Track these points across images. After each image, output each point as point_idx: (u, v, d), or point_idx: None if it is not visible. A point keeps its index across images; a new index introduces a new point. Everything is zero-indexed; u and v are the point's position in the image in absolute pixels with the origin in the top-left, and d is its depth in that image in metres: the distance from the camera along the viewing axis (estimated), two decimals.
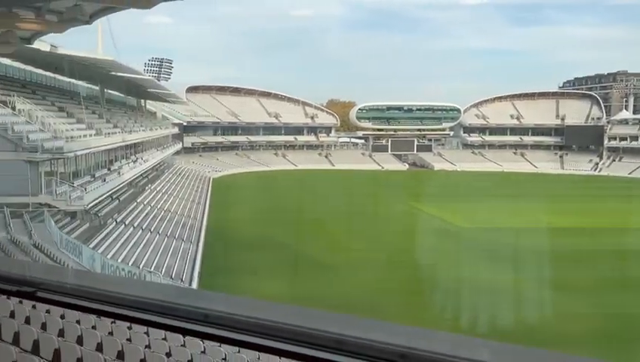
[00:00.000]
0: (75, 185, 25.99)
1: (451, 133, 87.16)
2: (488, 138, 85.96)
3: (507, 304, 22.05)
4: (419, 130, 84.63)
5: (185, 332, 1.76)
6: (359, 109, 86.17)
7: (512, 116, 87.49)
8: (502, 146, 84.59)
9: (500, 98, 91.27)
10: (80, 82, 40.52)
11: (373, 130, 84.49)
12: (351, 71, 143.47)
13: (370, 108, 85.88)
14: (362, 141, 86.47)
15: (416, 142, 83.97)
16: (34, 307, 6.13)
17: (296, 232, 33.38)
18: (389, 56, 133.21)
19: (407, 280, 24.84)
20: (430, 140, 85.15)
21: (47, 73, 38.40)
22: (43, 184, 23.82)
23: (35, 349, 4.34)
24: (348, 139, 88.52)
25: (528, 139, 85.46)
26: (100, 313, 1.81)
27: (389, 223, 36.85)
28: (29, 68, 36.00)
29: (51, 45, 24.73)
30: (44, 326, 5.37)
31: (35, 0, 10.06)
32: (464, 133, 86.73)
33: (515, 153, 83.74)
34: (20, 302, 6.00)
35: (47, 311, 6.10)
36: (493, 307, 21.59)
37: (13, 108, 25.66)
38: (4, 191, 22.89)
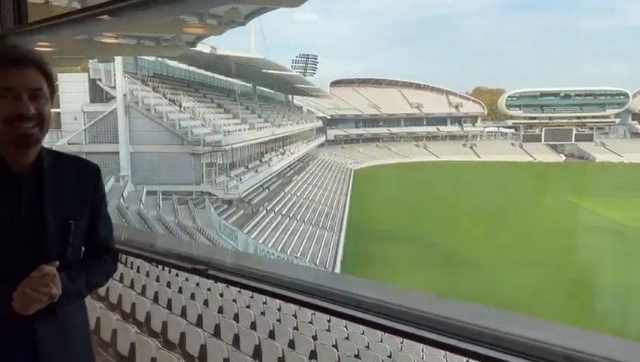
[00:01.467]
0: (231, 175, 28.25)
1: (617, 120, 77.64)
2: None
3: None
4: (578, 117, 76.85)
5: (333, 313, 1.78)
6: (509, 96, 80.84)
7: None
8: None
9: None
10: (235, 80, 43.83)
11: (525, 118, 78.68)
12: (499, 57, 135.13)
13: (522, 95, 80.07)
14: (512, 130, 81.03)
15: (574, 131, 76.39)
16: (197, 284, 6.78)
17: (440, 226, 32.50)
18: (542, 39, 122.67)
19: (564, 282, 22.92)
20: (591, 129, 76.87)
21: (207, 73, 42.13)
22: (204, 174, 26.32)
23: (199, 322, 4.81)
24: (496, 129, 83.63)
25: None
26: (256, 290, 1.90)
27: (544, 220, 34.03)
28: (192, 69, 39.84)
29: (211, 47, 27.07)
30: (206, 303, 5.92)
31: (198, 6, 11.02)
32: (633, 120, 76.73)
33: None
34: (186, 279, 6.69)
35: (209, 289, 6.71)
36: None
37: (180, 106, 28.67)
38: (173, 180, 25.77)
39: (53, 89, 1.45)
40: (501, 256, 26.35)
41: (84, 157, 1.62)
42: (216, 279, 1.99)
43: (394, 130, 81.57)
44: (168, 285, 6.40)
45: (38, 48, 1.59)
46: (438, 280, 22.17)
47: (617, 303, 21.29)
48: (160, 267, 6.80)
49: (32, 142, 1.38)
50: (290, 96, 63.43)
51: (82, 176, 1.53)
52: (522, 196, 42.17)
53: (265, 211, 29.90)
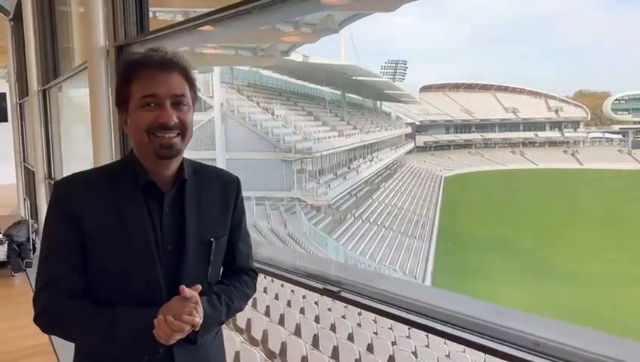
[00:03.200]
0: (320, 181, 28.52)
1: None
2: None
3: None
4: None
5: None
6: (616, 100, 74.72)
7: None
8: None
9: None
10: (325, 88, 44.37)
11: (634, 123, 72.34)
12: (604, 57, 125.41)
13: (631, 98, 73.66)
14: (619, 136, 74.72)
15: None
16: (329, 309, 6.61)
17: (539, 237, 30.64)
18: None
19: None
20: None
21: (298, 81, 43.04)
22: (295, 181, 26.80)
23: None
24: (600, 135, 77.62)
25: None
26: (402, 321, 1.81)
27: None
28: (283, 77, 40.86)
29: (304, 56, 27.61)
30: (302, 311, 5.89)
31: (293, 14, 11.20)
32: None
33: None
34: (316, 303, 6.44)
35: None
36: None
37: (272, 114, 29.47)
38: (265, 186, 26.48)
39: (195, 95, 1.38)
40: (608, 270, 24.33)
41: None
42: (350, 302, 1.87)
43: (487, 135, 78.40)
44: (302, 311, 6.12)
45: None
46: (545, 295, 20.87)
47: None
48: (287, 286, 6.49)
49: (173, 153, 1.30)
50: (378, 102, 63.12)
51: (223, 189, 1.45)
52: (631, 207, 38.67)
53: (353, 218, 29.84)
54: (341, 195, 30.95)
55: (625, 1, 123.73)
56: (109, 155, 3.33)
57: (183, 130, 1.31)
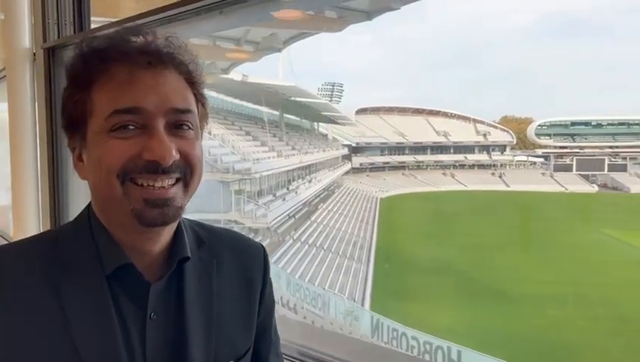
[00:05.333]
0: (259, 203, 27.90)
1: None
2: None
3: None
4: (610, 147, 75.10)
5: None
6: (539, 125, 79.66)
7: None
8: None
9: None
10: (264, 108, 44.01)
11: (555, 147, 77.27)
12: (528, 85, 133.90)
13: (552, 124, 78.82)
14: (542, 160, 79.54)
15: (607, 161, 74.55)
16: None
17: (471, 258, 31.46)
18: (574, 67, 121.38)
19: (605, 319, 21.74)
20: (625, 159, 74.91)
21: (236, 100, 42.43)
22: (233, 202, 26.02)
23: None
24: (525, 158, 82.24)
25: None
26: None
27: (580, 253, 32.70)
28: (221, 96, 40.14)
29: (243, 75, 27.15)
30: None
31: (236, 29, 10.79)
32: None
33: None
34: None
35: None
36: None
37: (209, 133, 28.64)
38: (202, 208, 25.47)
39: (205, 109, 0.88)
40: (539, 291, 25.22)
41: None
42: None
43: (420, 158, 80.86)
44: None
45: None
46: (479, 317, 21.24)
47: None
48: None
49: (169, 216, 0.78)
50: (315, 123, 63.52)
51: (244, 268, 0.93)
52: (556, 228, 40.78)
53: (291, 240, 29.40)
54: (280, 217, 30.48)
55: (545, 34, 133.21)
56: (34, 202, 2.68)
57: (188, 172, 0.80)
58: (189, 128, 0.80)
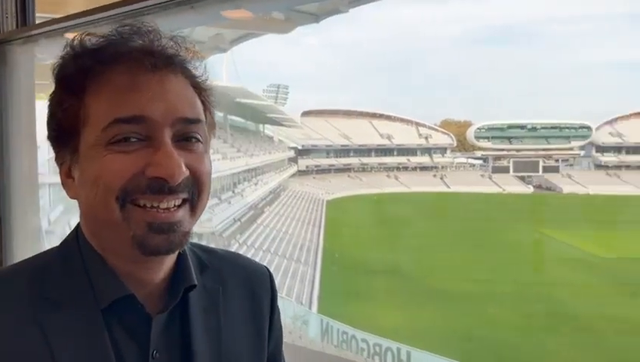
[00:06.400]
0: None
1: (582, 152, 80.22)
2: (625, 158, 77.77)
3: None
4: (544, 149, 79.04)
5: None
6: (477, 128, 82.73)
7: None
8: None
9: (638, 114, 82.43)
10: None
11: (493, 150, 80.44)
12: (467, 90, 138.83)
13: (490, 128, 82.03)
14: (481, 162, 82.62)
15: (541, 163, 78.36)
16: None
17: (414, 259, 32.09)
18: (509, 73, 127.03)
19: (541, 316, 22.72)
20: (557, 161, 79.04)
21: None
22: None
23: None
24: (465, 160, 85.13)
25: None
26: None
27: (516, 252, 34.09)
28: None
29: None
30: None
31: (180, 28, 10.41)
32: (596, 152, 79.40)
33: None
34: None
35: None
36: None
37: None
38: None
39: (212, 118, 0.78)
40: (478, 289, 26.03)
41: None
42: None
43: (365, 160, 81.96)
44: None
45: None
46: (424, 317, 21.62)
47: (596, 337, 21.06)
48: None
49: (174, 244, 0.68)
50: (261, 125, 63.02)
51: (251, 294, 0.82)
52: (493, 227, 42.36)
53: (237, 244, 28.96)
54: (226, 221, 29.94)
55: (484, 41, 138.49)
56: None
57: (196, 191, 0.70)
58: (198, 140, 0.71)
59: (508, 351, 18.73)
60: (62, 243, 0.72)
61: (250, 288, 0.83)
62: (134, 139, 0.65)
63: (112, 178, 0.64)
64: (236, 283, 0.81)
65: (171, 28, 0.77)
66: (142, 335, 0.68)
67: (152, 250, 0.66)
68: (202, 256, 0.80)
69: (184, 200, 0.68)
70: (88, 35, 0.69)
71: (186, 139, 0.69)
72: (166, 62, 0.68)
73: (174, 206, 0.67)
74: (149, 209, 0.65)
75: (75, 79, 0.67)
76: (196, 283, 0.73)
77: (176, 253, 0.73)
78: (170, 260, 0.73)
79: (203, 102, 0.74)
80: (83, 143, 0.67)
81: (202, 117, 0.72)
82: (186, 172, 0.66)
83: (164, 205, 0.66)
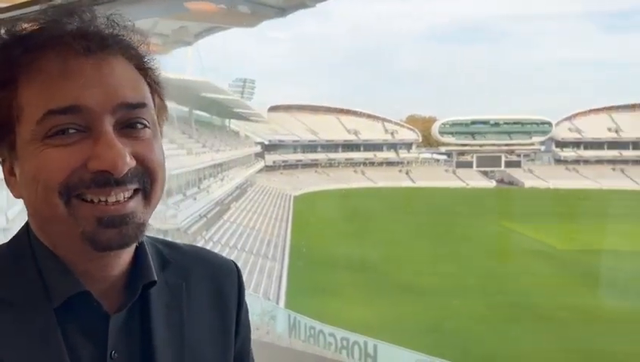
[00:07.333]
0: (169, 203, 26.78)
1: (542, 148, 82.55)
2: (583, 153, 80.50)
3: (623, 336, 19.75)
4: (506, 145, 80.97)
5: None
6: (442, 124, 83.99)
7: (609, 129, 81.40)
8: (599, 162, 78.77)
9: (595, 110, 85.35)
10: (171, 103, 42.35)
11: (457, 145, 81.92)
12: (431, 86, 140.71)
13: (454, 123, 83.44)
14: (445, 157, 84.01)
15: (503, 158, 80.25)
16: None
17: (381, 253, 32.43)
18: (472, 70, 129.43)
19: (504, 307, 23.30)
20: (519, 156, 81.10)
21: None
22: None
23: None
24: (430, 155, 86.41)
25: (629, 153, 78.93)
26: None
27: (480, 245, 34.87)
28: None
29: None
30: None
31: (143, 19, 10.14)
32: (556, 147, 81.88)
33: (613, 169, 77.59)
34: None
35: None
36: (603, 339, 19.46)
37: None
38: None
39: (162, 102, 0.71)
40: (443, 283, 26.48)
41: None
42: None
43: (332, 155, 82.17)
44: None
45: None
46: (390, 311, 21.88)
47: (557, 327, 21.76)
48: None
49: (128, 237, 0.63)
50: (227, 120, 62.33)
51: (219, 293, 0.78)
52: (457, 221, 43.18)
53: (203, 241, 28.59)
54: (191, 217, 29.53)
55: (448, 40, 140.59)
56: None
57: (148, 180, 0.65)
58: (145, 126, 0.66)
59: (472, 341, 19.13)
60: (11, 240, 0.67)
61: (216, 283, 0.79)
62: (73, 131, 0.60)
63: (50, 174, 0.60)
64: (201, 279, 0.77)
65: (129, 19, 0.71)
66: (99, 335, 0.64)
67: (104, 245, 0.62)
68: (164, 250, 0.76)
69: (135, 191, 0.64)
70: (19, 21, 0.64)
71: (130, 125, 0.64)
72: (101, 44, 0.62)
73: (124, 198, 0.63)
74: (96, 203, 0.62)
75: (3, 70, 0.62)
76: (156, 279, 0.69)
77: (133, 246, 0.68)
78: (127, 255, 0.68)
79: (149, 84, 0.68)
80: (19, 139, 0.62)
81: (148, 100, 0.66)
82: (131, 162, 0.62)
83: (112, 198, 0.62)
